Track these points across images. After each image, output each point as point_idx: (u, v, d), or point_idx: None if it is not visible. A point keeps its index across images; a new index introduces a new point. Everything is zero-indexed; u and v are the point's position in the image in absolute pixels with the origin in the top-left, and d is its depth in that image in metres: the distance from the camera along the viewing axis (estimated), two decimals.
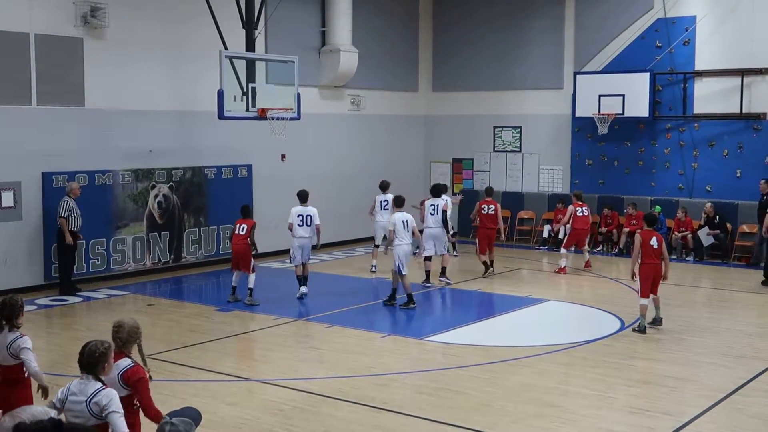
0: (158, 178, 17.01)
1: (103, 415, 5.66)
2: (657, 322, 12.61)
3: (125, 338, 6.25)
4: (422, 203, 16.96)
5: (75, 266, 15.36)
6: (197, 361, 10.89)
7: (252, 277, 14.30)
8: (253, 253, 14.43)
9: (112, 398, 5.69)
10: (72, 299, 14.74)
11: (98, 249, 16.05)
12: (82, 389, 5.73)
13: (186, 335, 12.28)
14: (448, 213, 16.37)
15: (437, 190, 16.21)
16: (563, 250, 17.75)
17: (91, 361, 5.77)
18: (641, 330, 12.28)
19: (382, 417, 8.84)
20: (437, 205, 15.90)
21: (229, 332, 12.51)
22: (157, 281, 16.52)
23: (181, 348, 11.48)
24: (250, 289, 14.24)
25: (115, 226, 16.33)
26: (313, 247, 14.97)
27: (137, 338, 6.35)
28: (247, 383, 10.06)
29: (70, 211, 14.80)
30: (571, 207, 17.83)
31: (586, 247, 18.31)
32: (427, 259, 15.82)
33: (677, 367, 10.69)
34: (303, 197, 14.81)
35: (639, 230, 13.23)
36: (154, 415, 6.07)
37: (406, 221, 14.09)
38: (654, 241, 12.32)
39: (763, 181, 17.58)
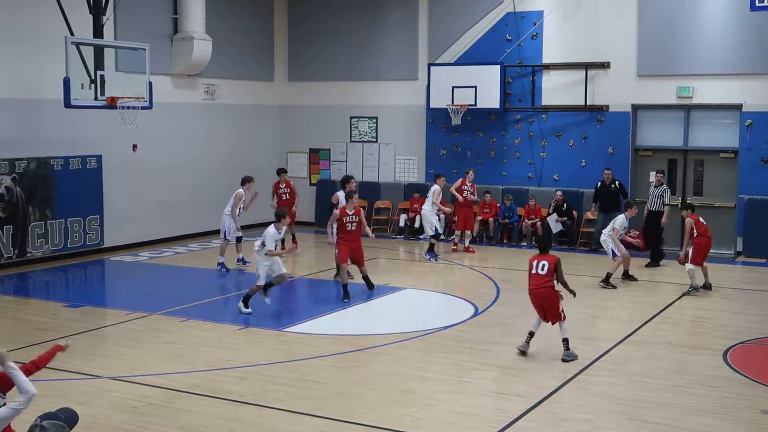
0: (0, 170, 16.19)
1: None
2: (708, 287, 14.66)
3: None
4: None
5: None
6: None
7: (565, 325, 10.75)
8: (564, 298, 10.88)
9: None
10: None
11: None
12: None
13: (32, 333, 11.74)
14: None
15: None
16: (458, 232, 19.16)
17: None
18: (696, 289, 14.43)
19: (240, 410, 8.75)
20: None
21: (79, 329, 12.05)
22: None
23: (28, 347, 10.94)
24: (565, 340, 10.72)
25: None
26: None
27: None
28: (98, 381, 9.73)
29: None
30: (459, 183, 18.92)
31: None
32: None
33: (528, 351, 11.05)
34: None
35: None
36: (28, 369, 6.16)
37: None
38: (702, 220, 14.86)
39: (608, 170, 18.56)
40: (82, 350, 11.02)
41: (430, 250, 18.11)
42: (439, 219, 18.81)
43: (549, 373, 10.08)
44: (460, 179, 18.99)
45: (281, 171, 18.71)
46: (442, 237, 19.37)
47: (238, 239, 16.73)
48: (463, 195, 18.71)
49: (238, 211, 16.48)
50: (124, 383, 9.62)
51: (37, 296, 14.83)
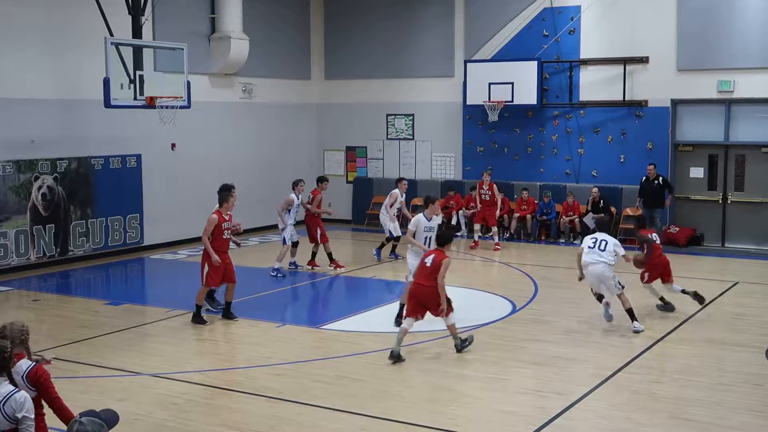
0: (42, 169, 16.42)
1: (18, 417, 5.41)
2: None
3: (12, 340, 5.94)
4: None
5: None
6: (86, 356, 10.57)
7: None
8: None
9: (26, 400, 5.46)
10: None
11: None
12: None
13: (74, 330, 11.90)
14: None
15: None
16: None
17: (2, 360, 5.51)
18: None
19: (279, 407, 8.79)
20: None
21: (120, 326, 12.20)
22: (42, 276, 15.97)
23: (69, 344, 11.12)
24: None
25: None
26: None
27: (22, 337, 6.04)
28: (139, 377, 9.83)
29: None
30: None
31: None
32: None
33: (566, 348, 10.98)
34: None
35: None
36: (66, 416, 5.83)
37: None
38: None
39: (651, 165, 18.37)
40: (123, 347, 11.15)
41: (379, 248, 17.39)
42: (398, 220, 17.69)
43: (588, 370, 10.00)
44: (478, 182, 19.32)
45: (323, 180, 16.77)
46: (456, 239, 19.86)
47: (294, 243, 16.05)
48: (482, 198, 19.12)
49: (289, 216, 15.83)
50: (165, 380, 9.71)
51: (79, 294, 15.02)
